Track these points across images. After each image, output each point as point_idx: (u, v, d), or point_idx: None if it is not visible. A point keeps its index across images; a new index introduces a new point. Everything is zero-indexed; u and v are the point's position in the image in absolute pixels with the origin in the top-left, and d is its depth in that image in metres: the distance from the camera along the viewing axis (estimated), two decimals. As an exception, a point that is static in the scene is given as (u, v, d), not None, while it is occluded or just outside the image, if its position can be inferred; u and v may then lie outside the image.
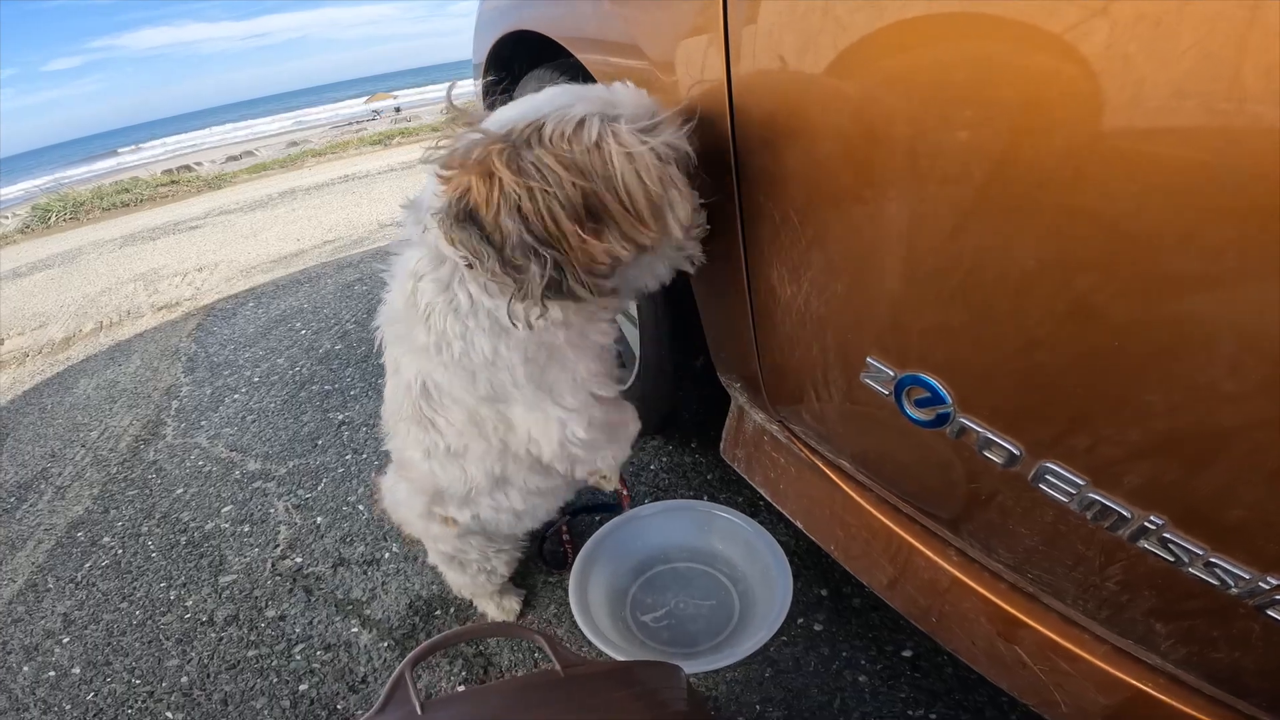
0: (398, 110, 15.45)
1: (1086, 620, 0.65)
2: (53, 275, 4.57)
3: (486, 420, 0.81)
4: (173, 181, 7.81)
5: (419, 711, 0.58)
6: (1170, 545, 0.48)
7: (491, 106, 0.72)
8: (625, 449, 0.93)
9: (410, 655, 0.64)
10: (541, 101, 0.64)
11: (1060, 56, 0.41)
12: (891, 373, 0.64)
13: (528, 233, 0.59)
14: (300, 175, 7.12)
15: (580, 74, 1.04)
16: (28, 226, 7.03)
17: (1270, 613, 0.45)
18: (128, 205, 7.16)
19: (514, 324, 0.67)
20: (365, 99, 25.19)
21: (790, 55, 0.60)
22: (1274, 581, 0.44)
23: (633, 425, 0.94)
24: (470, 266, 0.66)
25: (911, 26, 0.48)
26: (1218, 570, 0.46)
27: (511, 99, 0.73)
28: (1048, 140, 0.43)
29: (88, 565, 1.58)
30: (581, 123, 0.60)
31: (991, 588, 0.71)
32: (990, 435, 0.57)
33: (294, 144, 11.19)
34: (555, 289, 0.63)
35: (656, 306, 1.13)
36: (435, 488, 0.92)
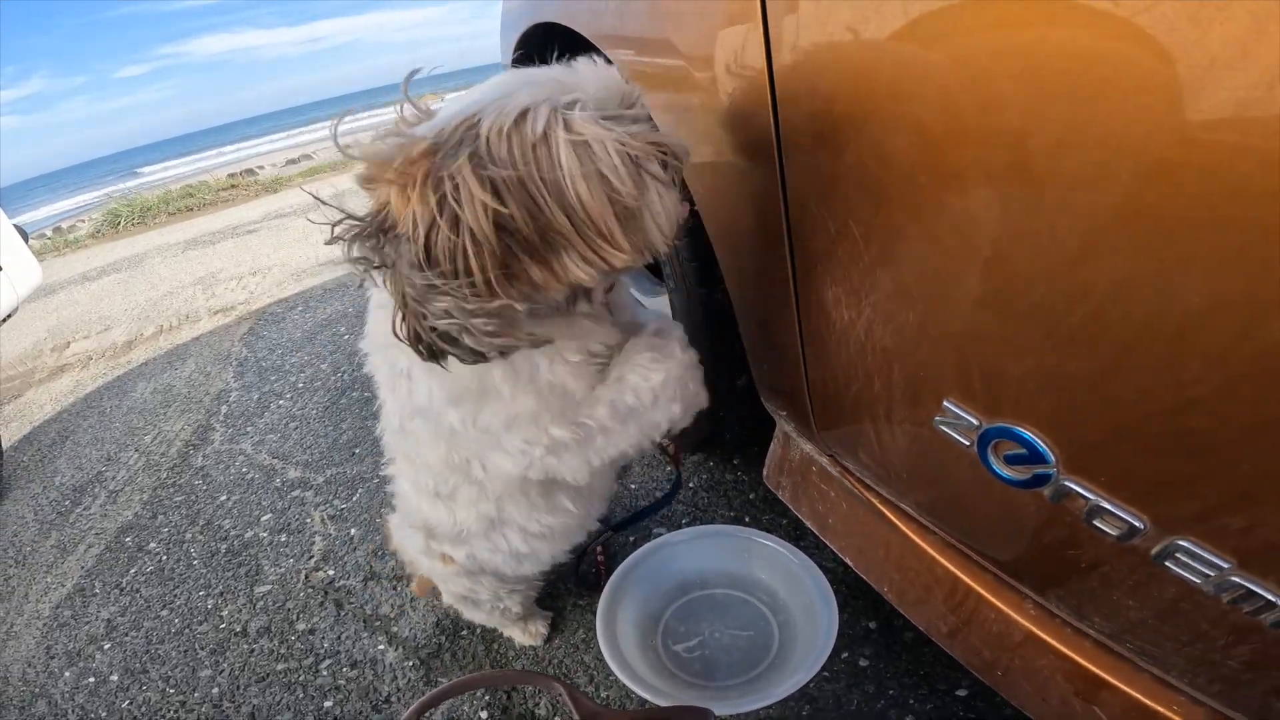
0: (442, 110, 15.73)
1: (1191, 690, 0.55)
2: (120, 279, 4.78)
3: (470, 461, 0.72)
4: (234, 186, 8.09)
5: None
6: None
7: None
8: (679, 412, 0.72)
9: (417, 704, 0.60)
10: (483, 92, 0.53)
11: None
12: (976, 421, 0.54)
13: (427, 266, 0.49)
14: (349, 178, 7.27)
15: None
16: (99, 231, 7.40)
17: None
18: (191, 210, 7.45)
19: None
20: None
21: (845, 33, 0.49)
22: None
23: (703, 395, 0.75)
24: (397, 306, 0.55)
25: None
26: None
27: None
28: (1231, 135, 0.32)
29: (133, 571, 1.62)
30: (524, 114, 0.49)
31: (1074, 646, 0.62)
32: (1104, 504, 0.47)
33: (349, 145, 11.47)
34: (450, 340, 0.52)
35: (695, 319, 1.07)
36: (425, 524, 0.87)
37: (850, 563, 0.89)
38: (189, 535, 1.68)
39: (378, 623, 1.30)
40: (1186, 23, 0.32)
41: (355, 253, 0.53)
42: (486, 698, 1.10)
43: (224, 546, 1.61)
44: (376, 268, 0.52)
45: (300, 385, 2.32)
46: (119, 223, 7.32)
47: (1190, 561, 0.44)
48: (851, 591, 1.17)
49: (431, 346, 0.53)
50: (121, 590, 1.56)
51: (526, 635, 1.15)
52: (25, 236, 2.85)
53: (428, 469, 0.76)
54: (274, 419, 2.13)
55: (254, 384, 2.42)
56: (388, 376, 0.69)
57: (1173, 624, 0.50)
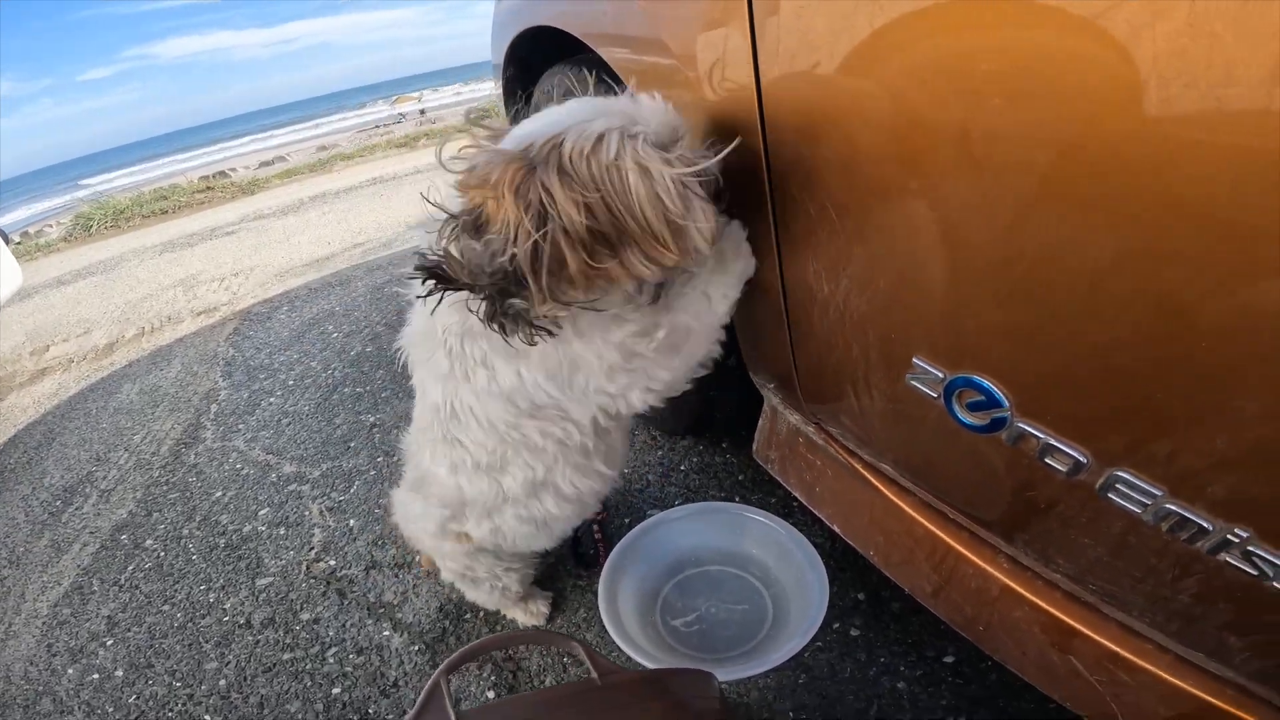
0: (422, 113, 15.61)
1: (1151, 631, 0.62)
2: (96, 282, 4.71)
3: (528, 431, 0.81)
4: (208, 188, 8.00)
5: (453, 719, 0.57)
6: (1255, 559, 0.45)
7: (515, 117, 0.71)
8: (710, 341, 0.82)
9: (445, 663, 0.64)
10: (563, 115, 0.63)
11: (1134, 34, 0.38)
12: (941, 374, 0.61)
13: (537, 251, 0.58)
14: (330, 179, 7.24)
15: (598, 68, 1.03)
16: (71, 235, 7.27)
17: None
18: (166, 212, 7.36)
19: (523, 344, 0.66)
20: (391, 101, 25.53)
21: (822, 38, 0.57)
22: None
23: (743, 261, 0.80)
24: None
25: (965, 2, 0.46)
26: None
27: (530, 97, 0.72)
28: (1125, 121, 0.40)
29: (131, 568, 1.62)
30: (600, 139, 0.58)
31: (1046, 597, 0.68)
32: (1053, 442, 0.54)
33: (323, 148, 11.39)
34: (525, 319, 0.62)
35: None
36: (460, 500, 0.92)
37: (838, 529, 0.94)
38: (186, 531, 1.69)
39: (382, 610, 1.33)
40: (1093, 39, 0.38)
41: (446, 245, 0.61)
42: (492, 678, 1.14)
43: (223, 541, 1.62)
44: (450, 281, 0.62)
45: (290, 383, 2.33)
46: (91, 226, 7.20)
47: (1129, 492, 0.51)
48: (840, 564, 1.22)
49: (494, 315, 0.63)
50: (121, 587, 1.57)
51: (528, 615, 1.19)
52: (6, 239, 2.82)
53: (482, 447, 0.83)
54: (266, 416, 2.14)
55: (243, 383, 2.42)
56: (446, 367, 0.76)
57: (1125, 559, 0.56)
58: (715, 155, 0.64)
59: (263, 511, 1.69)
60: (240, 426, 2.12)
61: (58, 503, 1.99)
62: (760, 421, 1.09)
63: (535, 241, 0.57)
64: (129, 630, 1.44)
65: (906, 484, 0.80)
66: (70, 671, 1.38)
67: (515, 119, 0.70)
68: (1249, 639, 0.51)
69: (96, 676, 1.35)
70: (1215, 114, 0.36)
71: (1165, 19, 0.36)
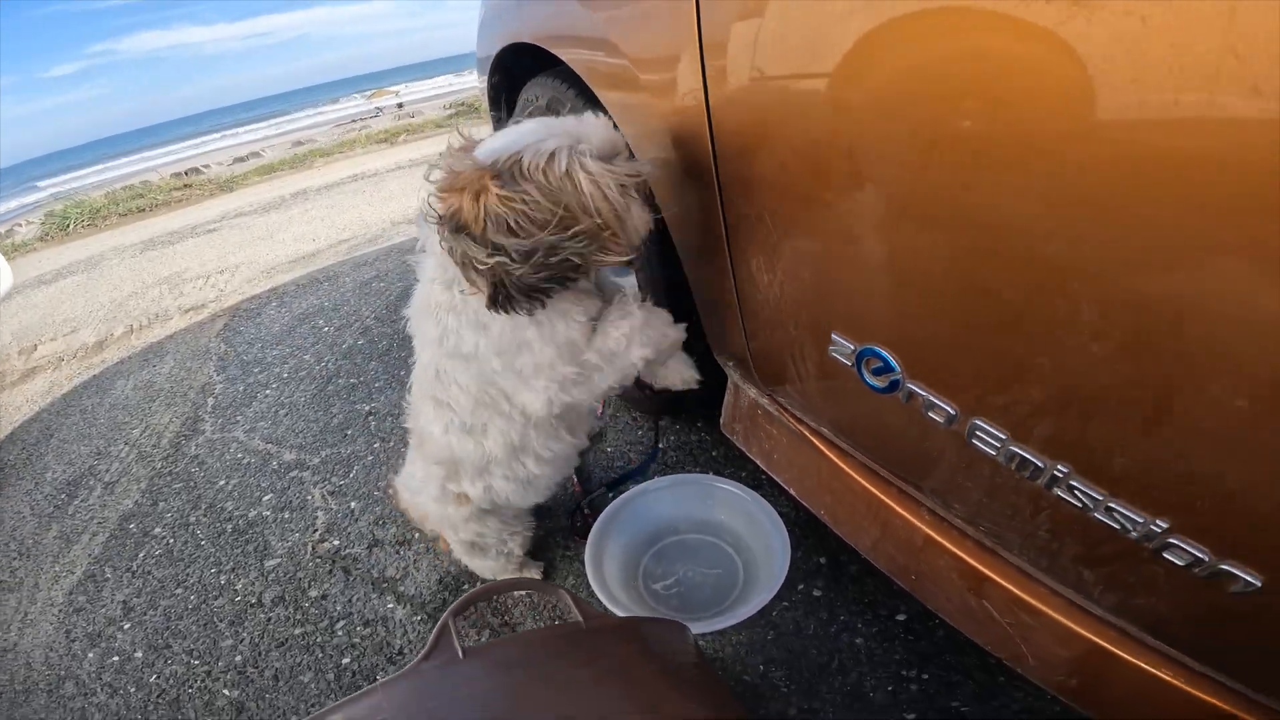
0: (400, 106, 15.42)
1: (1039, 573, 0.73)
2: (78, 281, 4.71)
3: (494, 400, 0.93)
4: (186, 186, 7.94)
5: (460, 656, 0.68)
6: (1076, 492, 0.57)
7: (497, 123, 0.84)
8: (654, 350, 0.95)
9: (453, 605, 0.74)
10: (521, 134, 0.76)
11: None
12: (852, 346, 0.74)
13: (519, 241, 0.72)
14: (310, 176, 7.22)
15: (575, 81, 1.15)
16: (47, 234, 7.20)
17: (1167, 556, 0.54)
18: (143, 210, 7.30)
19: (493, 316, 0.81)
20: (367, 96, 25.23)
21: (754, 75, 0.71)
22: (1164, 525, 0.52)
23: (673, 333, 0.97)
24: (464, 274, 0.78)
25: (846, 66, 0.59)
26: (1116, 515, 0.55)
27: (513, 104, 0.83)
28: (945, 157, 0.54)
29: (142, 554, 1.70)
30: (553, 155, 0.72)
31: (959, 544, 0.80)
32: (932, 398, 0.67)
33: (299, 143, 11.30)
34: (526, 291, 0.76)
35: (659, 293, 1.23)
36: (452, 459, 1.03)
37: (794, 492, 1.06)
38: (193, 519, 1.77)
39: (385, 584, 1.43)
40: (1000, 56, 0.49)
41: (446, 240, 0.75)
42: (486, 632, 1.23)
43: (229, 527, 1.70)
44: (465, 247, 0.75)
45: (285, 375, 2.40)
46: (68, 225, 7.14)
47: (986, 437, 0.64)
48: (803, 531, 1.33)
49: (498, 298, 0.76)
50: (133, 573, 1.64)
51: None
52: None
53: (464, 409, 0.95)
54: (263, 408, 2.22)
55: (238, 377, 2.49)
56: (434, 334, 0.89)
57: (997, 499, 0.68)
58: (646, 164, 0.79)
59: (266, 497, 1.77)
60: (238, 418, 2.19)
61: (62, 496, 2.04)
62: (726, 398, 1.21)
63: (501, 230, 0.71)
64: (145, 614, 1.51)
65: (844, 446, 0.92)
66: (90, 655, 1.44)
67: (498, 125, 0.84)
68: (1096, 572, 0.63)
69: (116, 659, 1.42)
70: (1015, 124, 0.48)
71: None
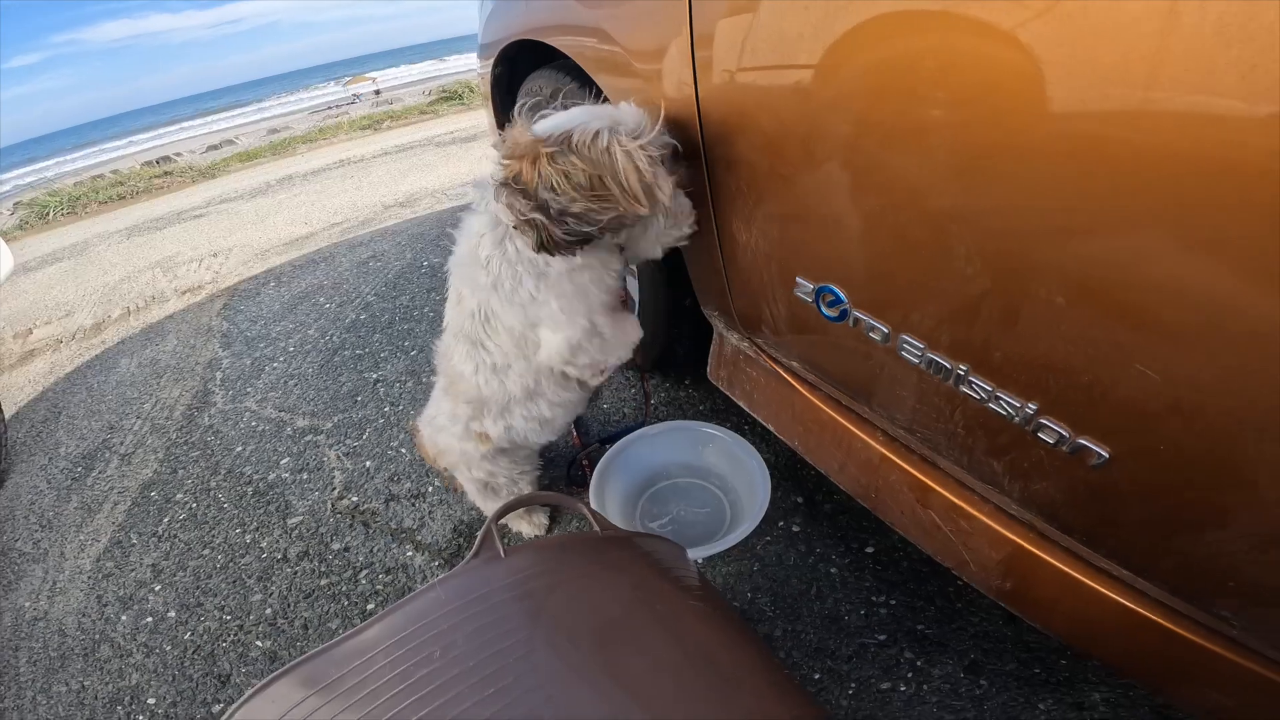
0: (377, 93, 15.27)
1: (968, 478, 0.85)
2: (65, 268, 4.71)
3: (528, 343, 1.06)
4: (166, 173, 7.89)
5: (502, 555, 0.81)
6: (975, 385, 0.72)
7: (500, 102, 0.97)
8: (627, 352, 1.16)
9: (494, 511, 0.86)
10: (570, 117, 0.91)
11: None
12: (811, 285, 0.89)
13: (560, 200, 0.87)
14: (294, 162, 7.19)
15: (574, 71, 1.29)
16: (26, 223, 7.13)
17: (1042, 436, 0.68)
18: (124, 198, 7.25)
19: (548, 263, 0.96)
20: (343, 83, 24.88)
21: (732, 69, 0.86)
22: (1034, 407, 0.67)
23: (634, 333, 1.17)
24: (516, 226, 0.93)
25: (802, 69, 0.75)
26: (1003, 402, 0.70)
27: (515, 94, 1.07)
28: (870, 142, 0.70)
29: (166, 519, 1.77)
30: (596, 134, 0.86)
31: (906, 459, 0.94)
32: (871, 321, 0.82)
33: (274, 130, 11.20)
34: (574, 237, 0.91)
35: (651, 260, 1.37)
36: (479, 398, 1.15)
37: (772, 428, 1.20)
38: (213, 484, 1.85)
39: (403, 534, 1.53)
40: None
41: (507, 198, 0.90)
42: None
43: (250, 490, 1.79)
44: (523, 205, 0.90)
45: (291, 349, 2.49)
46: (48, 213, 7.08)
47: (911, 349, 0.78)
48: (782, 474, 1.47)
49: (542, 243, 0.91)
50: (159, 538, 1.71)
51: (532, 526, 1.44)
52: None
53: (502, 348, 1.08)
54: (272, 379, 2.31)
55: (244, 352, 2.56)
56: (485, 281, 1.02)
57: (925, 404, 0.82)
58: (667, 137, 0.93)
59: (284, 461, 1.87)
60: (249, 390, 2.28)
61: (78, 469, 2.09)
62: (711, 347, 1.34)
63: (552, 191, 0.87)
64: (174, 575, 1.58)
65: (812, 379, 1.07)
66: (124, 618, 1.50)
67: (499, 110, 0.97)
68: (1000, 460, 0.76)
69: (150, 620, 1.48)
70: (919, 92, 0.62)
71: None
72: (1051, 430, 0.67)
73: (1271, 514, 0.54)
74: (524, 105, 0.97)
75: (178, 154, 10.52)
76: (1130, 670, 0.79)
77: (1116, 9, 0.47)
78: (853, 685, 1.11)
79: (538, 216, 0.88)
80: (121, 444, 2.18)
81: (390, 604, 1.38)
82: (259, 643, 1.37)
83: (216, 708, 1.28)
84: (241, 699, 0.63)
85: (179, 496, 1.85)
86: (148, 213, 6.04)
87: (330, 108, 14.31)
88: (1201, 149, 0.46)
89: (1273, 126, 0.42)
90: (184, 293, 3.46)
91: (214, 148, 10.63)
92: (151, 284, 3.76)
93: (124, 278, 4.03)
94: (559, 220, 0.88)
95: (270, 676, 0.64)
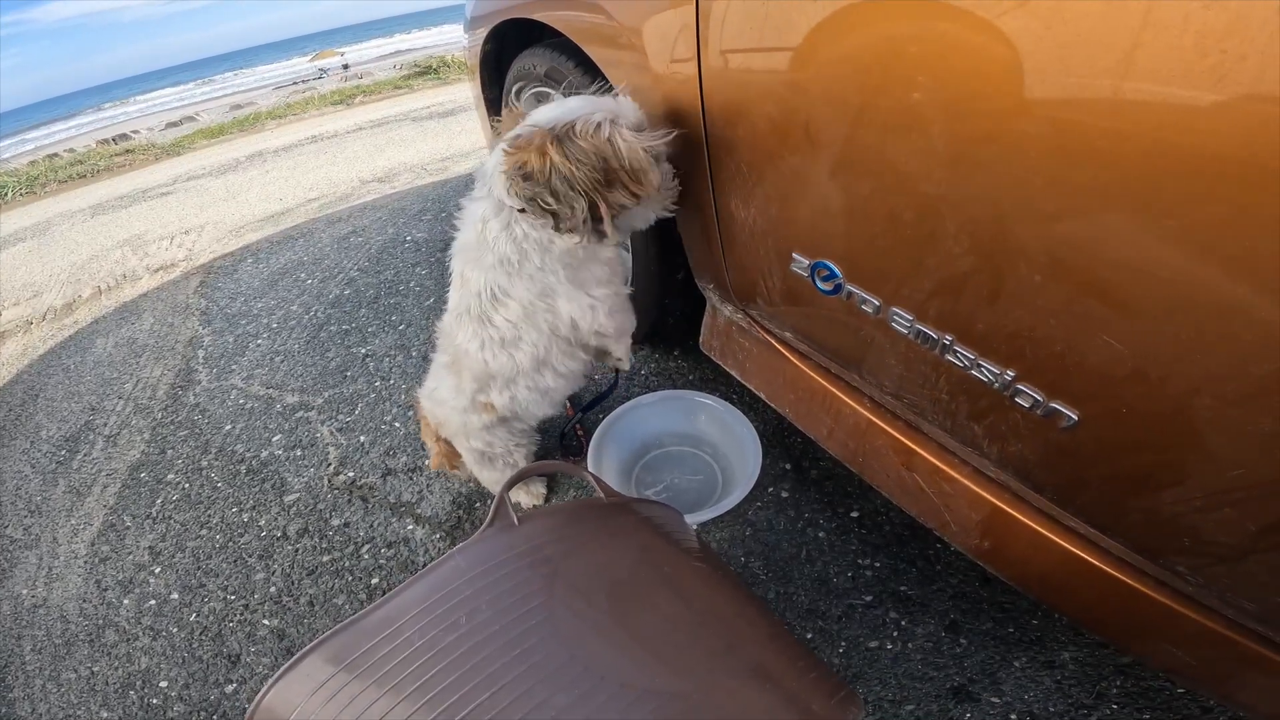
0: (345, 68, 14.83)
1: (951, 442, 0.89)
2: (29, 247, 4.56)
3: (539, 312, 1.09)
4: (128, 150, 7.64)
5: (516, 522, 0.84)
6: (959, 354, 0.76)
7: (489, 78, 1.00)
8: (627, 340, 1.22)
9: (506, 481, 0.89)
10: (573, 108, 0.95)
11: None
12: (807, 261, 0.92)
13: (568, 188, 0.92)
14: (264, 138, 6.98)
15: (568, 50, 1.30)
16: (-19, 203, 6.88)
17: (1018, 400, 0.72)
18: (85, 176, 7.01)
19: (554, 242, 1.01)
20: (310, 57, 24.16)
21: (732, 54, 0.89)
22: (1012, 373, 0.71)
23: (630, 322, 1.22)
24: (523, 211, 0.97)
25: (797, 56, 0.78)
26: (984, 370, 0.74)
27: (504, 70, 1.14)
28: (867, 125, 0.73)
29: (159, 501, 1.74)
30: (599, 125, 0.92)
31: (892, 424, 0.98)
32: (864, 294, 0.86)
33: (238, 106, 10.88)
34: (586, 223, 0.96)
35: (646, 233, 1.38)
36: (486, 373, 1.18)
37: (763, 396, 1.24)
38: (205, 463, 1.83)
39: (403, 508, 1.54)
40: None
41: (516, 187, 0.94)
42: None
43: (243, 468, 1.77)
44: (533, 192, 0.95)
45: (275, 325, 2.44)
46: (5, 193, 6.84)
47: (901, 320, 0.82)
48: (771, 441, 1.51)
49: (558, 226, 0.97)
50: (154, 519, 1.68)
51: (530, 496, 1.47)
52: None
53: (509, 322, 1.11)
54: (257, 356, 2.27)
55: (225, 329, 2.51)
56: (491, 260, 1.05)
57: (912, 371, 0.86)
58: (663, 135, 0.98)
59: (275, 438, 1.85)
60: (233, 367, 2.24)
61: (63, 452, 2.03)
62: (704, 319, 1.38)
63: (561, 179, 0.91)
64: (173, 556, 1.56)
65: (803, 349, 1.10)
66: (126, 602, 1.48)
67: (485, 85, 1.21)
68: (981, 424, 0.81)
69: (153, 603, 1.47)
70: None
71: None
72: (1027, 395, 0.72)
73: (1221, 475, 0.59)
74: (518, 89, 1.00)
75: (135, 131, 10.18)
76: (1096, 626, 0.86)
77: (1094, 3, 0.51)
78: (843, 644, 1.16)
79: (552, 203, 0.93)
80: (105, 425, 2.13)
81: (395, 577, 1.44)
82: (266, 621, 1.37)
83: (230, 688, 1.28)
84: (273, 677, 0.65)
85: (170, 477, 1.82)
86: (110, 191, 5.85)
87: (296, 83, 13.91)
88: (1162, 140, 0.50)
89: (1229, 117, 0.47)
90: (156, 270, 3.37)
91: (174, 124, 10.30)
92: (121, 262, 3.66)
93: (92, 256, 3.92)
94: (568, 205, 0.93)
95: (299, 654, 0.66)
